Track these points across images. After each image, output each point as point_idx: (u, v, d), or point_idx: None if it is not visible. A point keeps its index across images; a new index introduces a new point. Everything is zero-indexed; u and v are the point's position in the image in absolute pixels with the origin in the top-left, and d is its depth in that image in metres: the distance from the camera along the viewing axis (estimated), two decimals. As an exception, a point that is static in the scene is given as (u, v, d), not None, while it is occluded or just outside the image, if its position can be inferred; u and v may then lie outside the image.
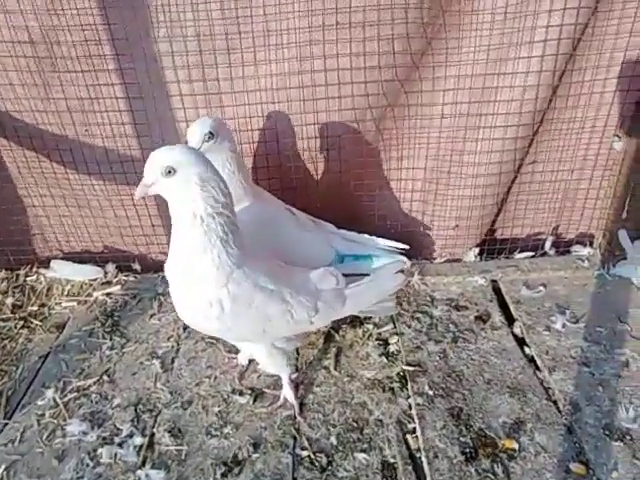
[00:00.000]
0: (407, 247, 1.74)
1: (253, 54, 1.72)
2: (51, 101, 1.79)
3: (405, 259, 1.70)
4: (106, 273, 2.12)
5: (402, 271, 1.55)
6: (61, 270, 2.12)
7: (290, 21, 1.65)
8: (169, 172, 1.13)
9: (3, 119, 1.84)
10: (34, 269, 2.15)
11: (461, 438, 1.39)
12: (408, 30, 1.64)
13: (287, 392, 1.53)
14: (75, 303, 1.99)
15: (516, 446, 1.35)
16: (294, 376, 1.59)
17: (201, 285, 1.24)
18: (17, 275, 2.14)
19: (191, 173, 1.15)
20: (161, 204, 2.00)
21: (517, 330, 1.73)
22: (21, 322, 1.91)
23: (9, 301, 2.00)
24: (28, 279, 2.12)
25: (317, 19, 1.63)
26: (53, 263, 2.13)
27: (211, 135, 1.47)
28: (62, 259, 2.15)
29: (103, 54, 1.71)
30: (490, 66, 1.70)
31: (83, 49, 1.70)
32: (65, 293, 2.05)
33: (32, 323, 1.91)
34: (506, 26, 1.64)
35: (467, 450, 1.35)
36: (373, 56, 1.69)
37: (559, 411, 1.45)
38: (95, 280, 2.10)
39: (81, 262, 2.13)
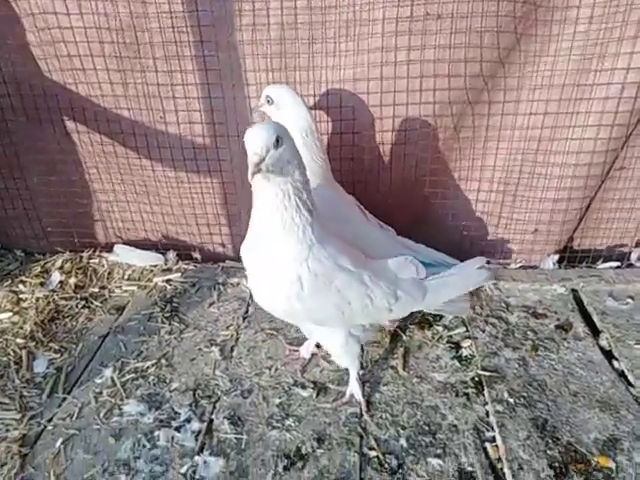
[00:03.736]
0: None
1: (336, 44, 1.70)
2: (130, 86, 1.82)
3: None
4: (167, 260, 2.11)
5: (485, 267, 1.46)
6: (123, 255, 2.13)
7: (377, 11, 1.63)
8: (277, 141, 1.10)
9: (85, 104, 1.89)
10: (97, 252, 2.17)
11: (548, 451, 1.27)
12: (499, 23, 1.60)
13: (354, 388, 1.45)
14: (135, 287, 1.99)
15: (612, 465, 1.22)
16: (361, 372, 1.51)
17: (281, 262, 1.21)
18: (81, 257, 2.16)
19: (292, 142, 1.16)
20: (229, 193, 2.00)
21: (603, 342, 1.61)
22: (82, 302, 1.92)
23: (72, 281, 2.01)
24: (91, 261, 2.14)
25: (405, 10, 1.61)
26: (116, 247, 2.15)
27: (270, 99, 1.59)
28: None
29: (187, 40, 1.73)
30: (586, 62, 1.63)
31: (168, 35, 1.72)
32: (126, 277, 2.06)
33: (93, 304, 1.92)
34: (603, 20, 1.57)
35: (556, 464, 1.23)
36: (460, 49, 1.64)
37: (660, 431, 1.31)
38: (155, 266, 2.10)
39: (143, 249, 2.13)
